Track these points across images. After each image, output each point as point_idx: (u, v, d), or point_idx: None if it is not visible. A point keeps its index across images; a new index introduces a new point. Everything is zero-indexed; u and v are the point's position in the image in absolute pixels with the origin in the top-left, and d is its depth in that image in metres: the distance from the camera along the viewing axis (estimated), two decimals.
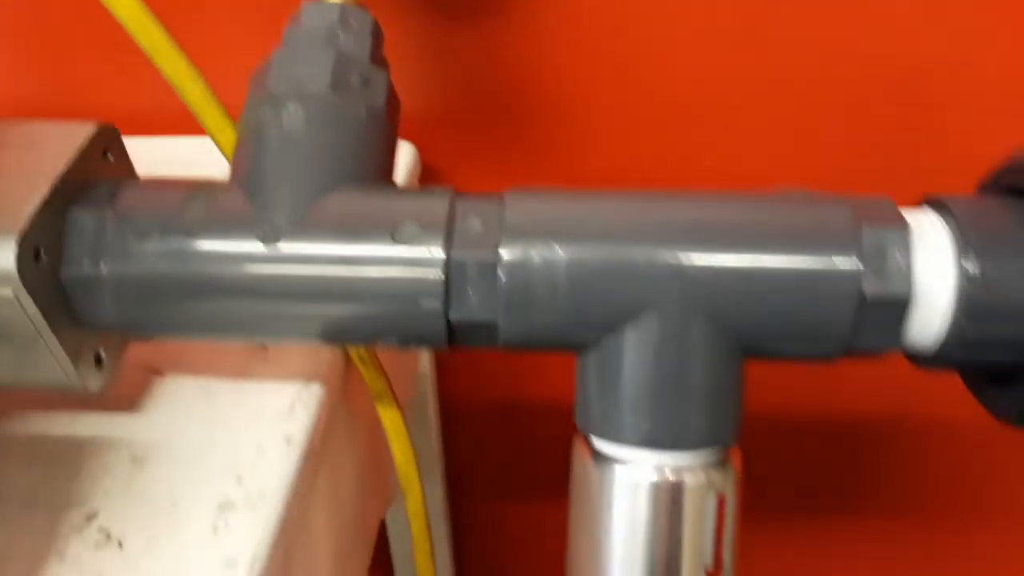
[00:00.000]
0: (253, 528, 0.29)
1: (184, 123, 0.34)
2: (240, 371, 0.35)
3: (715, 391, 0.28)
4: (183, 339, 0.30)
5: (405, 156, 0.46)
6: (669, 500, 0.28)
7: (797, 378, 0.60)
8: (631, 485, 0.28)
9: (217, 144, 0.31)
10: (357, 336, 0.29)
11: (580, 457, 0.30)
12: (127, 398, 0.33)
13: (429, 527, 0.41)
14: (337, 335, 0.28)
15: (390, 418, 0.38)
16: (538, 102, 0.47)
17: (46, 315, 0.26)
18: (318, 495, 0.34)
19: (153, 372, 0.35)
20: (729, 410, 0.28)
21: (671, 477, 0.28)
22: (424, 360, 0.58)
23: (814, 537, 0.70)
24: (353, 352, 0.36)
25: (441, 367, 0.62)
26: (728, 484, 0.28)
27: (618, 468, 0.28)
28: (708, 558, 0.28)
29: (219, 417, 0.33)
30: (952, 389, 0.56)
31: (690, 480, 0.28)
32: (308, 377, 0.34)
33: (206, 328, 0.29)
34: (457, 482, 0.69)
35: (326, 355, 0.35)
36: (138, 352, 0.33)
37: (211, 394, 0.34)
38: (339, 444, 0.37)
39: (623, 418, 0.28)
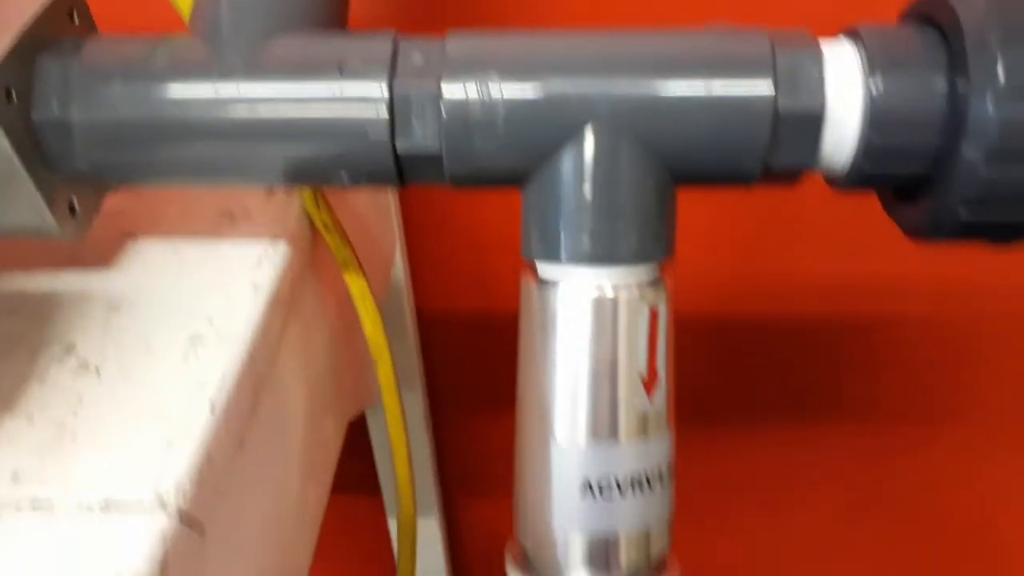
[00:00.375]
0: (222, 358, 0.31)
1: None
2: (210, 233, 0.37)
3: (645, 209, 0.30)
4: (148, 184, 0.32)
5: None
6: (606, 314, 0.30)
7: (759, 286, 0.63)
8: (572, 303, 0.30)
9: (179, 8, 0.33)
10: (312, 173, 0.31)
11: (526, 286, 0.32)
12: (102, 257, 0.35)
13: (401, 399, 0.43)
14: (293, 173, 0.30)
15: (356, 285, 0.40)
16: None
17: (20, 154, 0.28)
18: (287, 344, 0.36)
19: (127, 235, 0.37)
20: (660, 229, 0.30)
21: (608, 293, 0.30)
22: (399, 267, 0.60)
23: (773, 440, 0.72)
24: (318, 221, 0.38)
25: (417, 276, 0.64)
26: (660, 300, 0.31)
27: (560, 288, 0.30)
28: (643, 368, 0.31)
29: (189, 270, 0.35)
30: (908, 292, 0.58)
31: (624, 295, 0.30)
32: (274, 238, 0.36)
33: (169, 171, 0.31)
34: (438, 393, 0.71)
35: (292, 221, 0.37)
36: (112, 216, 0.35)
37: (181, 253, 0.36)
38: (308, 306, 0.39)
39: (562, 239, 0.30)
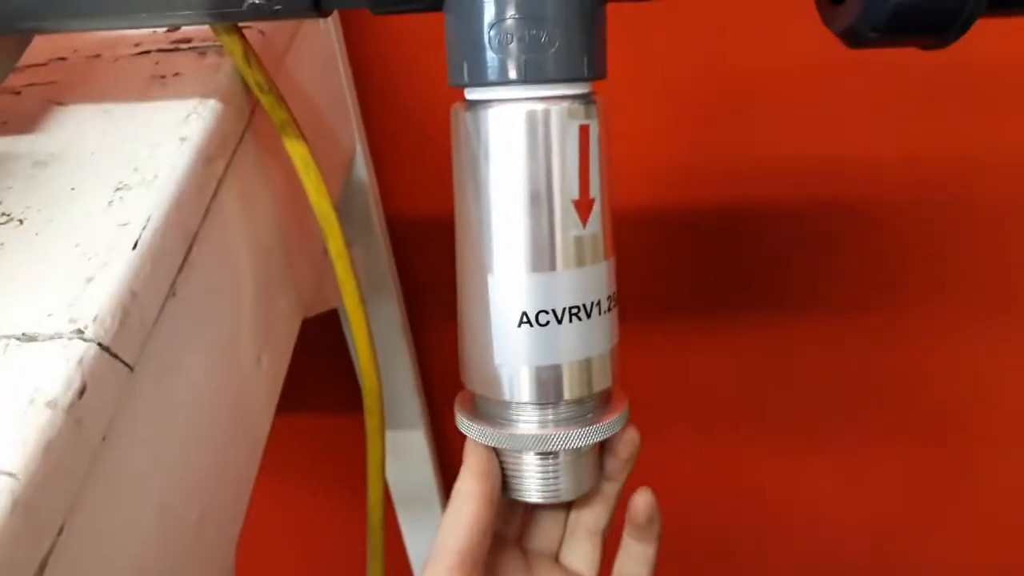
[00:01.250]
0: (147, 202, 0.30)
1: None
2: (140, 96, 0.36)
3: (572, 24, 0.29)
4: (61, 28, 0.31)
5: None
6: (537, 130, 0.29)
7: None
8: (503, 122, 0.29)
9: None
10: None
11: (456, 117, 0.31)
12: (28, 124, 0.35)
13: (356, 272, 0.42)
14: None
15: (297, 151, 0.39)
16: None
17: None
18: (226, 206, 0.35)
19: (55, 103, 0.36)
20: (589, 45, 0.29)
21: (538, 107, 0.29)
22: (361, 166, 0.59)
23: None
24: (251, 81, 0.37)
25: (384, 180, 0.63)
26: (592, 117, 0.30)
27: (490, 109, 0.30)
28: (574, 190, 0.30)
29: (117, 128, 0.34)
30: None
31: (555, 110, 0.29)
32: (204, 96, 0.35)
33: (77, 13, 0.30)
34: (417, 301, 0.71)
35: (223, 80, 0.36)
36: (42, 88, 0.34)
37: (110, 113, 0.35)
38: (248, 172, 0.38)
39: (487, 59, 0.29)
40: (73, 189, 0.31)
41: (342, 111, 0.54)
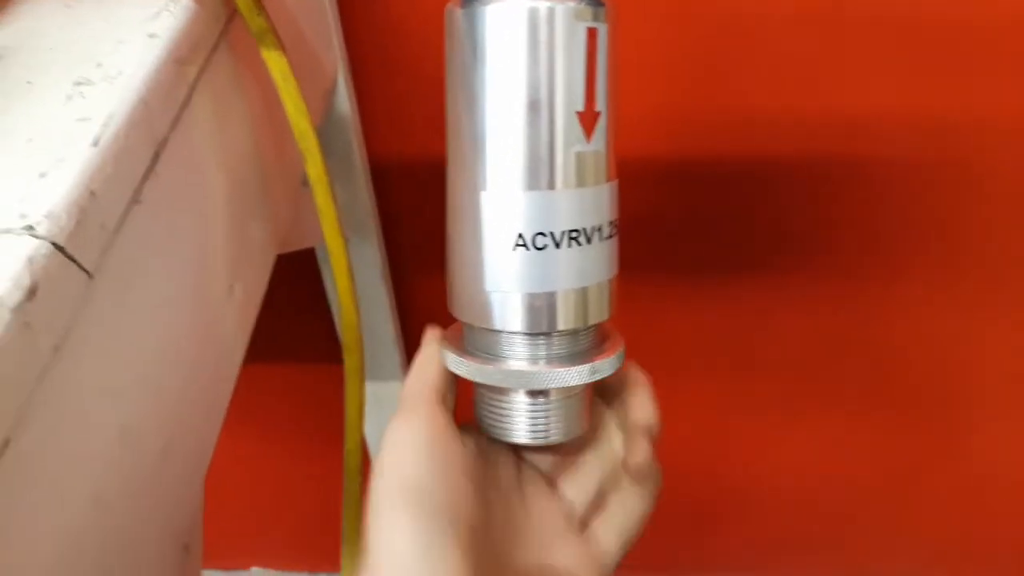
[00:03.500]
0: (110, 99, 0.28)
1: None
2: None
3: None
4: None
5: None
6: (539, 29, 0.27)
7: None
8: (503, 19, 0.27)
9: None
10: None
11: (452, 16, 0.28)
12: None
13: (334, 194, 0.40)
14: None
15: (275, 62, 0.36)
16: None
17: None
18: (197, 115, 0.33)
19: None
20: None
21: (541, 7, 0.27)
22: (343, 97, 0.56)
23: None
24: None
25: (368, 118, 0.60)
26: (600, 19, 0.27)
27: (489, 6, 0.27)
28: (580, 100, 0.27)
29: (79, 23, 0.31)
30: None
31: (560, 9, 0.27)
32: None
33: None
34: (399, 247, 0.68)
35: None
36: None
37: (72, 8, 0.32)
38: (223, 80, 0.35)
39: None
40: (29, 83, 0.29)
41: (323, 32, 0.51)
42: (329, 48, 0.53)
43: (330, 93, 0.53)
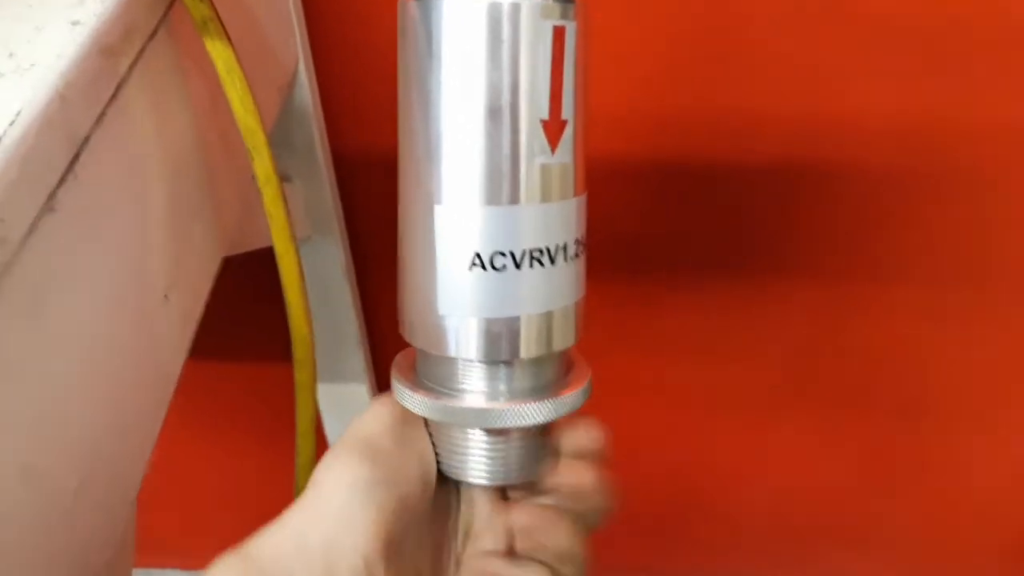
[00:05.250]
0: (20, 93, 0.25)
1: None
2: None
3: None
4: None
5: None
6: (499, 27, 0.24)
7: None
8: (458, 15, 0.24)
9: None
10: None
11: (405, 9, 0.26)
12: None
13: (284, 196, 0.37)
14: None
15: (220, 53, 0.33)
16: None
17: None
18: (131, 111, 0.30)
19: None
20: None
21: (503, 2, 0.24)
22: (303, 89, 0.53)
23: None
24: None
25: (331, 110, 0.57)
26: (568, 18, 0.25)
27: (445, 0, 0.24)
28: (544, 108, 0.25)
29: None
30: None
31: (525, 5, 0.24)
32: None
33: None
34: (363, 244, 0.65)
35: None
36: None
37: None
38: (163, 75, 0.32)
39: None
40: None
41: (282, 22, 0.48)
42: (289, 38, 0.50)
43: (288, 86, 0.50)
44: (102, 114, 0.28)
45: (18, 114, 0.24)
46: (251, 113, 0.35)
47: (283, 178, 0.41)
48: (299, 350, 0.40)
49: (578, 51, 0.25)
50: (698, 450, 0.78)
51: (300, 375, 0.41)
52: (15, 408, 0.24)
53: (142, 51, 0.31)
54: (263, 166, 0.36)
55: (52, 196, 0.25)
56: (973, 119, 0.56)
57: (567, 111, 0.25)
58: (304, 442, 0.42)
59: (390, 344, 0.72)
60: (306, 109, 0.54)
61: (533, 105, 0.25)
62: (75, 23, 0.27)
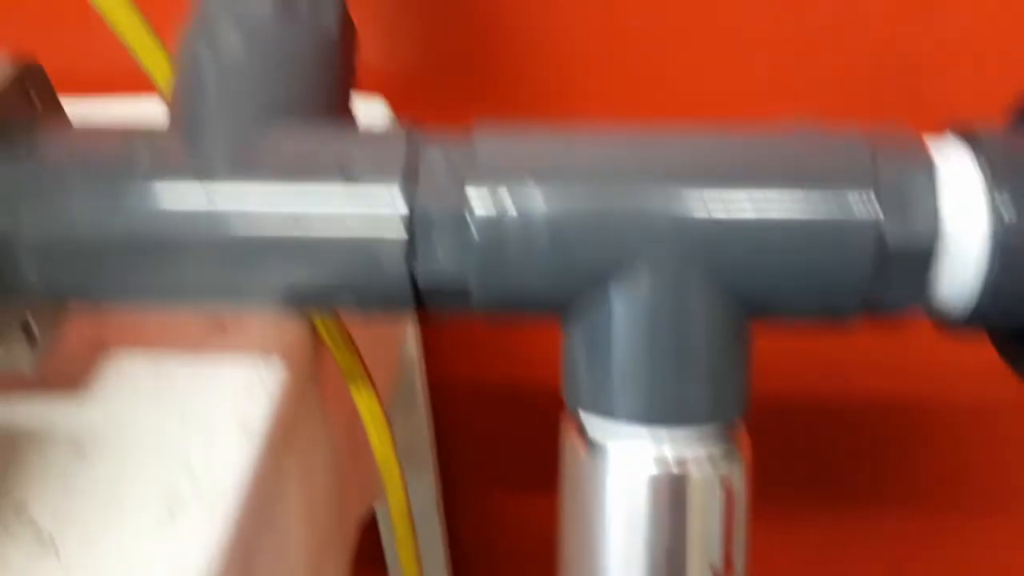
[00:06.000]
0: (202, 525, 0.26)
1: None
2: (196, 345, 0.31)
3: (717, 357, 0.24)
4: (115, 304, 0.26)
5: (375, 112, 0.42)
6: (671, 493, 0.24)
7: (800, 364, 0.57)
8: (626, 475, 0.25)
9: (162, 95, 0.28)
10: (308, 298, 0.25)
11: (570, 443, 0.26)
12: (69, 375, 0.30)
13: (413, 524, 0.38)
14: (287, 294, 0.25)
15: (365, 402, 0.35)
16: (520, 49, 0.44)
17: None
18: (286, 502, 0.31)
19: (99, 346, 0.31)
20: (734, 380, 0.25)
21: (672, 467, 0.24)
22: (410, 342, 0.54)
23: (813, 526, 0.66)
24: (321, 328, 0.33)
25: (429, 350, 0.59)
26: (736, 472, 0.25)
27: (612, 455, 0.25)
28: (716, 556, 0.25)
29: (169, 402, 0.30)
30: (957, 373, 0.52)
31: (694, 470, 0.24)
32: (270, 353, 0.31)
33: (136, 290, 0.25)
34: (451, 471, 0.66)
35: (291, 331, 0.32)
36: (82, 324, 0.30)
37: (162, 374, 0.31)
38: (309, 433, 0.34)
39: (614, 391, 0.25)
40: (116, 502, 0.27)
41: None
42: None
43: (397, 355, 0.52)
44: (268, 503, 0.29)
45: (207, 560, 0.25)
46: (390, 454, 0.35)
47: None
48: None
49: (746, 501, 0.25)
50: None
51: None
52: None
53: (299, 418, 0.32)
54: (396, 497, 0.37)
55: None
56: None
57: (738, 555, 0.25)
58: None
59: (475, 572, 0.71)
60: (410, 358, 0.55)
61: (703, 558, 0.25)
62: (244, 427, 0.29)
